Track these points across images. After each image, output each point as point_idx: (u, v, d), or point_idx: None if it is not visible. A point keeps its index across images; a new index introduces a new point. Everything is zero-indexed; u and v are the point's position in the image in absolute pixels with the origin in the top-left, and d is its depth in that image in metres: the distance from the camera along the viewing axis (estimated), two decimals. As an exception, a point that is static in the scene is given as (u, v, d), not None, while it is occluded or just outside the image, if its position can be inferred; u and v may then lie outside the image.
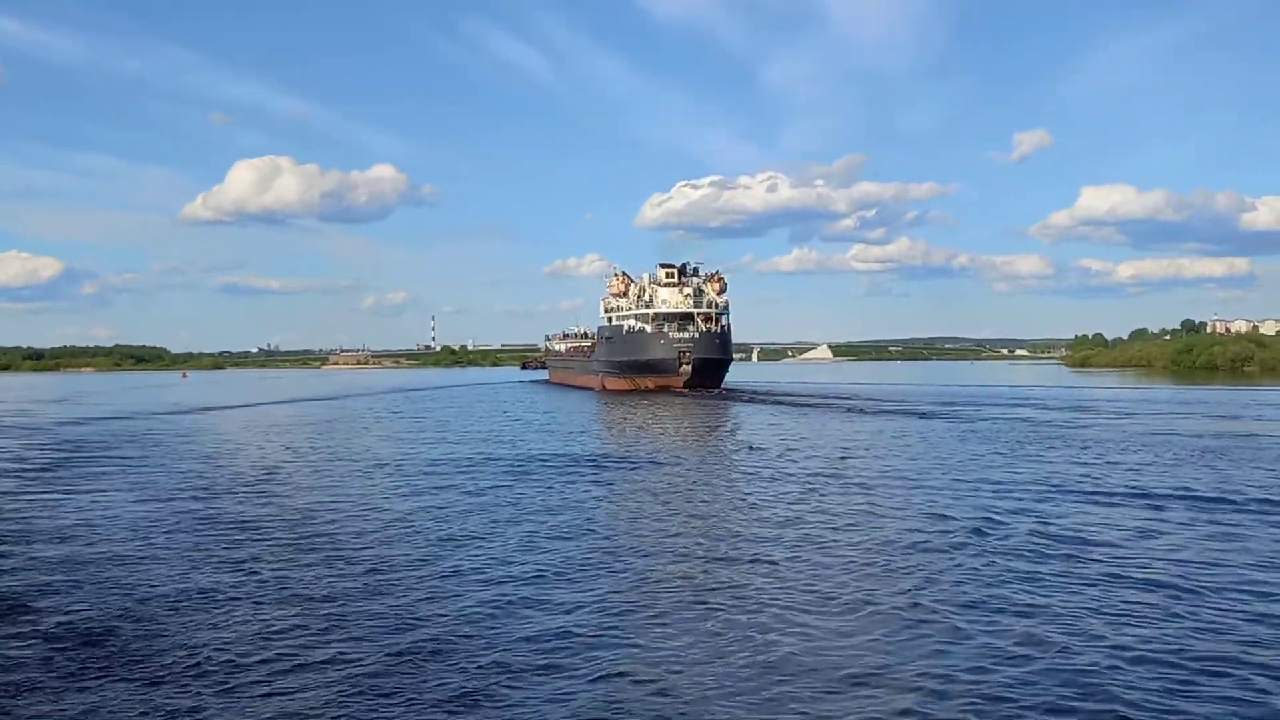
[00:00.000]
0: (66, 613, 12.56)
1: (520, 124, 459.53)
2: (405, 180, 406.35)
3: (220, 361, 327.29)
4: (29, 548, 17.10)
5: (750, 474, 27.62)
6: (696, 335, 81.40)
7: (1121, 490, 22.81)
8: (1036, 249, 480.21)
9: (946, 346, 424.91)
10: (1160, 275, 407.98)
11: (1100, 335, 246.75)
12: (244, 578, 14.64)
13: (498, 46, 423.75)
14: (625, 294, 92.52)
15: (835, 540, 17.19)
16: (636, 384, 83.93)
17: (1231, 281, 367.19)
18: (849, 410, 57.07)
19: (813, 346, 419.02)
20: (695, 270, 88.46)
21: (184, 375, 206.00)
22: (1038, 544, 16.37)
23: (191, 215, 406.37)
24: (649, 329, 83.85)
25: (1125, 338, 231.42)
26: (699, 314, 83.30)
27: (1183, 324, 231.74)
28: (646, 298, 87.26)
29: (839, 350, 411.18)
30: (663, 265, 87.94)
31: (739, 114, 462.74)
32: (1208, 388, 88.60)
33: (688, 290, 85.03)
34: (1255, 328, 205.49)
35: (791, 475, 26.79)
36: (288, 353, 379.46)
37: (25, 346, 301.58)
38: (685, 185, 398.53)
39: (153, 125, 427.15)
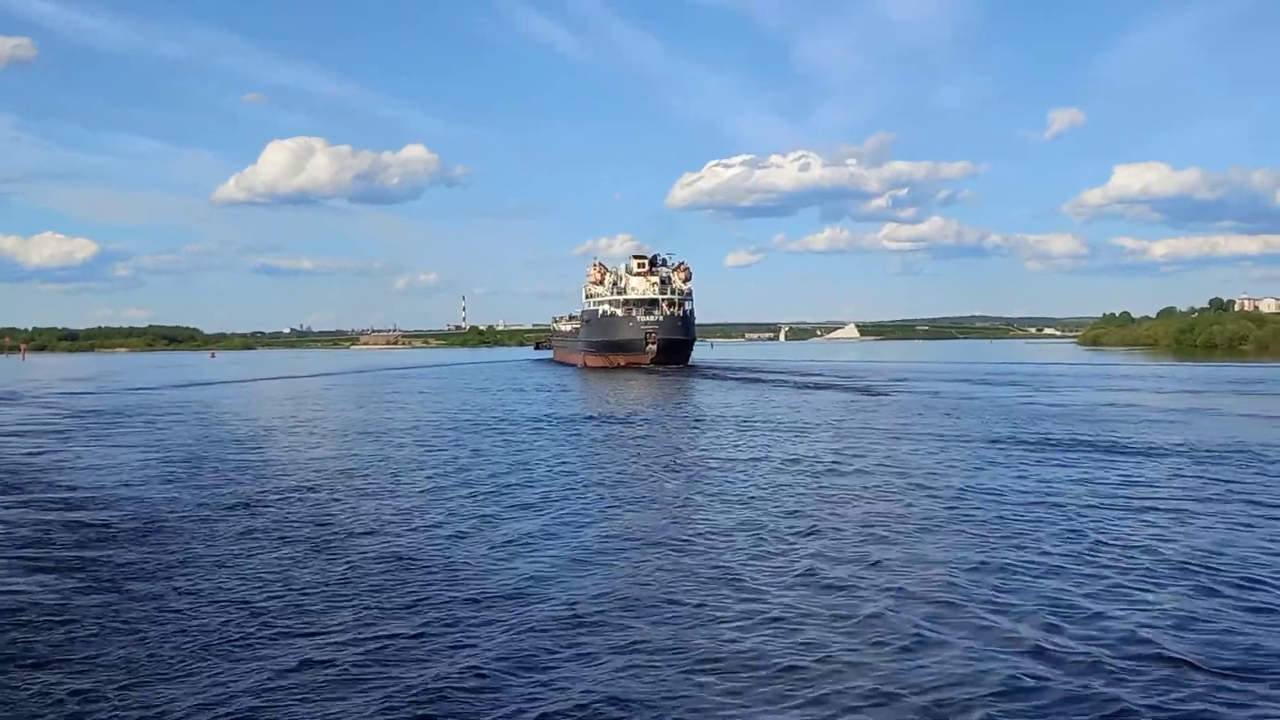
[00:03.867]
0: (119, 513, 18.26)
1: (552, 103, 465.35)
2: (437, 160, 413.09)
3: (250, 342, 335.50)
4: (74, 476, 23.40)
5: (661, 427, 33.65)
6: (661, 318, 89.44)
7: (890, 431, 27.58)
8: (1069, 228, 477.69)
9: (977, 326, 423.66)
10: (1195, 253, 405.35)
11: (1127, 314, 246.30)
12: (242, 498, 19.90)
13: (531, 24, 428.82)
14: (601, 282, 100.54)
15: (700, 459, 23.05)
16: (610, 361, 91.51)
17: (1268, 259, 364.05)
18: (787, 385, 62.24)
19: (841, 326, 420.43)
20: (664, 261, 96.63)
21: (212, 355, 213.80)
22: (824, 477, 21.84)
23: (225, 196, 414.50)
24: (620, 313, 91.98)
25: (1153, 316, 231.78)
26: (664, 299, 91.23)
27: (1211, 302, 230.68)
28: (621, 285, 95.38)
29: (866, 330, 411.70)
30: (635, 257, 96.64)
31: (771, 92, 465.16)
32: (1174, 364, 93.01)
33: (655, 279, 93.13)
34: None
35: (701, 428, 34.29)
36: (320, 333, 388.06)
37: (60, 328, 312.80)
38: (716, 164, 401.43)
39: (186, 106, 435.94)
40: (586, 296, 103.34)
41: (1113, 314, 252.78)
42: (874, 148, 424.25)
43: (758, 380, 68.31)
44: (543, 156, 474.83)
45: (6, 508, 19.04)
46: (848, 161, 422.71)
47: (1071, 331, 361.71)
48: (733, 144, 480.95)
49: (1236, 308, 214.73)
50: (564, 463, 25.46)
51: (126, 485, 21.86)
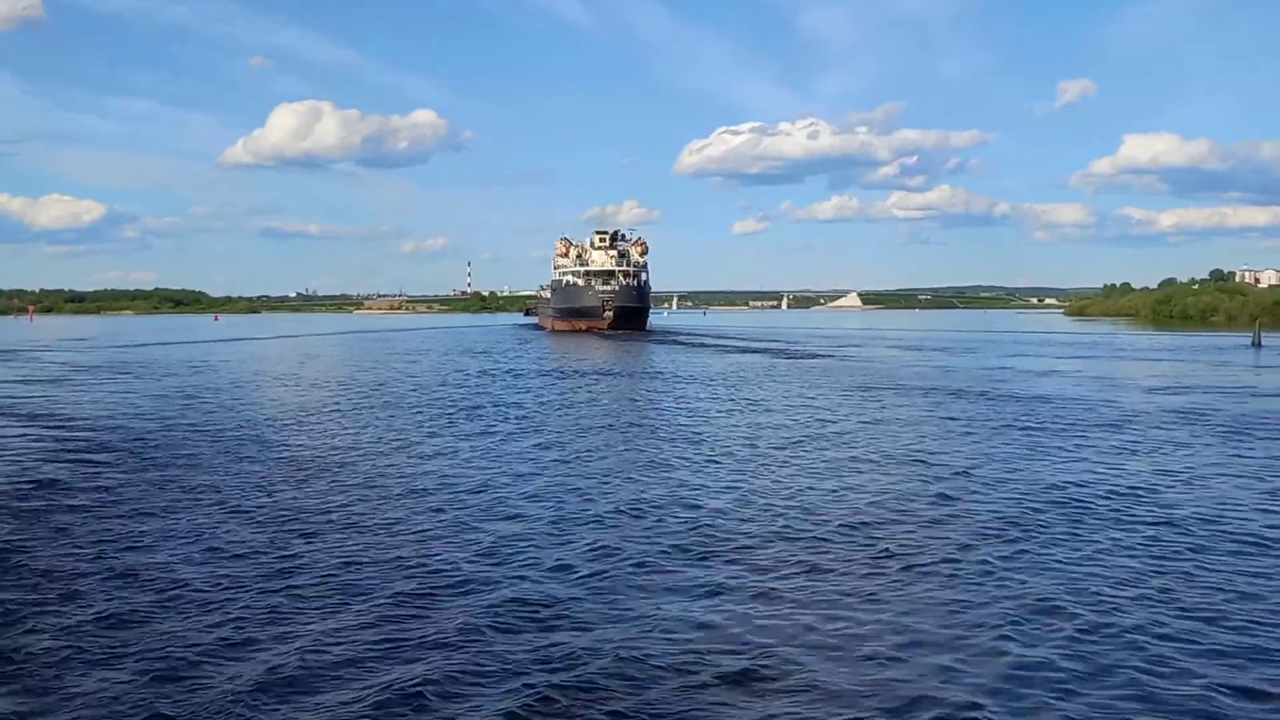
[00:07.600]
0: (123, 434, 23.85)
1: (559, 70, 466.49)
2: (445, 125, 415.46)
3: (255, 305, 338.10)
4: (76, 408, 29.99)
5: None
6: (618, 288, 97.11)
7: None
8: (1077, 198, 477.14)
9: (981, 295, 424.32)
10: (1202, 224, 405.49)
11: (1128, 284, 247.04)
12: (218, 425, 25.57)
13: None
14: (567, 255, 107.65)
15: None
16: (574, 325, 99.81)
17: (1275, 230, 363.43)
18: (725, 349, 68.14)
19: (845, 295, 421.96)
20: (623, 236, 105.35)
21: (216, 319, 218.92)
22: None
23: (231, 159, 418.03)
24: (581, 283, 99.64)
25: (1154, 287, 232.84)
26: (620, 271, 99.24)
27: (1211, 274, 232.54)
28: (585, 258, 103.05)
29: (868, 299, 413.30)
30: (598, 231, 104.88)
31: (777, 60, 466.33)
32: (1132, 333, 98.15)
33: (614, 252, 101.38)
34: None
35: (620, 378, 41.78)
36: (325, 297, 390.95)
37: (67, 289, 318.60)
38: (725, 131, 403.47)
39: (194, 70, 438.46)
40: (555, 268, 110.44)
41: (1114, 285, 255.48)
42: (884, 116, 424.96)
43: (701, 345, 74.33)
44: (549, 123, 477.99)
45: (20, 429, 25.06)
46: (858, 129, 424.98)
47: (1070, 302, 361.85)
48: (738, 112, 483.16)
49: (1238, 279, 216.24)
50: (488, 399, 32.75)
51: (122, 415, 27.62)
